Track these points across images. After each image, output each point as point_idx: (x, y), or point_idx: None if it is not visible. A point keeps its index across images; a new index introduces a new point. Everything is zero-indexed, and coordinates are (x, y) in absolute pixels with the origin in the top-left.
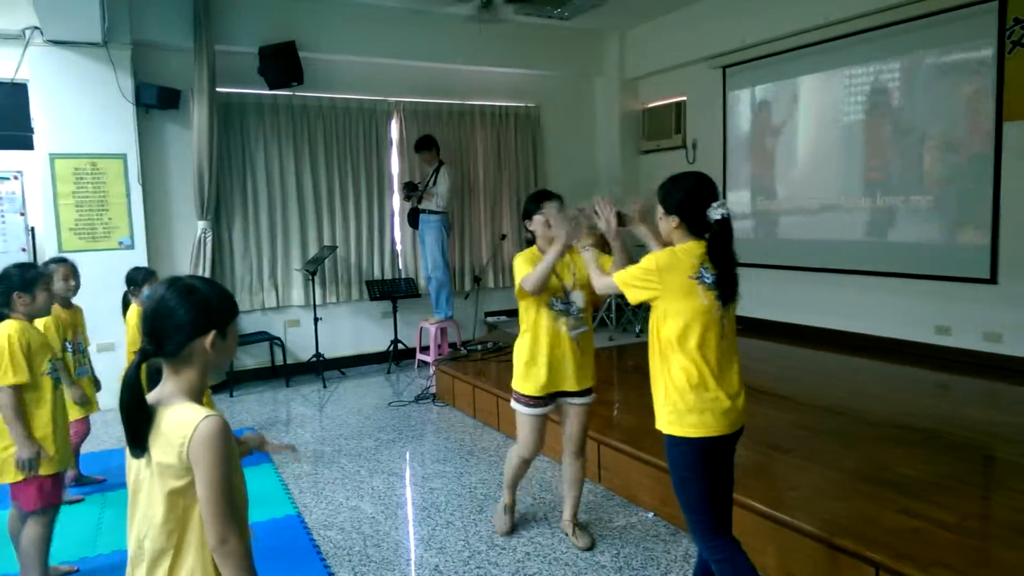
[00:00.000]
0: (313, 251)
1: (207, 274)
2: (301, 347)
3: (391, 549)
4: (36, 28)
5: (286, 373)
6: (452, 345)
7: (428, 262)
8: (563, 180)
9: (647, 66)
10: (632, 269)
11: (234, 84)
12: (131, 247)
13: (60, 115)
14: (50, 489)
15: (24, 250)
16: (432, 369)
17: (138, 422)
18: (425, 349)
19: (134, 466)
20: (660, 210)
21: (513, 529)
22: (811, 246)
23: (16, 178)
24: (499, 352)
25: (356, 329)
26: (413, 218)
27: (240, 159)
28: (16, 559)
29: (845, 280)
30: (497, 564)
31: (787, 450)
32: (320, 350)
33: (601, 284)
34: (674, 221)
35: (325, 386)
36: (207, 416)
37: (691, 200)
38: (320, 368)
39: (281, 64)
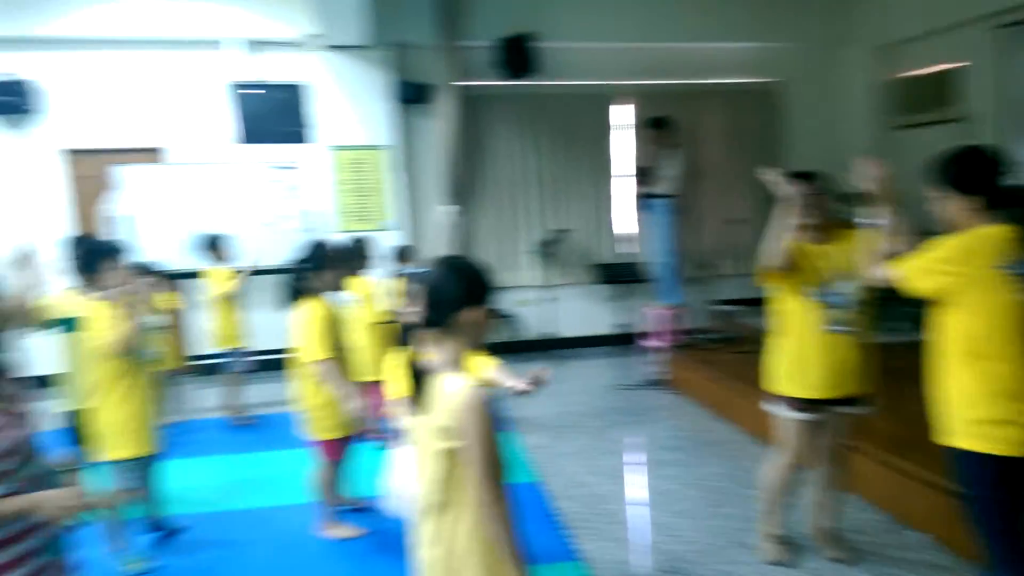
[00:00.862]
0: (545, 234)
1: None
2: (532, 325)
3: (628, 528)
4: (314, 35)
5: (517, 350)
6: (680, 332)
7: (657, 247)
8: (806, 160)
9: (907, 30)
10: (919, 257)
11: (475, 77)
12: (392, 228)
13: (337, 112)
14: (343, 445)
15: (307, 231)
16: (660, 355)
17: (414, 384)
18: (652, 335)
19: (414, 425)
20: (941, 192)
21: (789, 557)
22: None
23: (298, 168)
24: (731, 343)
25: (583, 311)
26: (642, 202)
27: (480, 148)
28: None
29: None
30: (736, 563)
31: None
32: (549, 330)
33: (875, 274)
34: (970, 202)
35: (554, 364)
36: (473, 386)
37: (988, 177)
38: (549, 347)
39: (516, 55)
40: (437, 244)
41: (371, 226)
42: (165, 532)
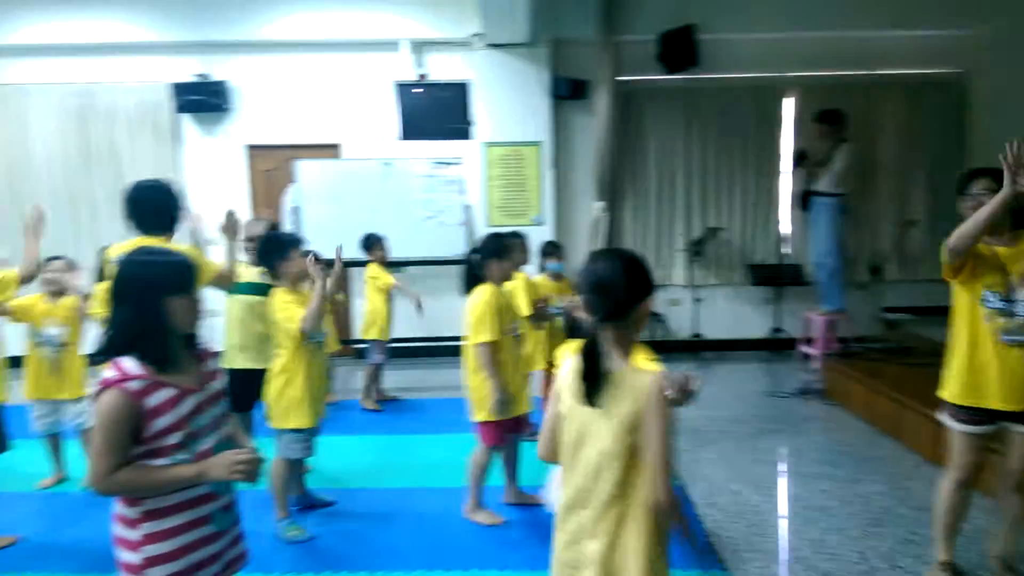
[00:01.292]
0: (697, 232)
1: None
2: (680, 326)
3: (776, 542)
4: (478, 34)
5: (664, 349)
6: (842, 340)
7: (819, 248)
8: (995, 159)
9: None
10: None
11: (633, 72)
12: (542, 223)
13: (493, 109)
14: (501, 432)
15: (464, 224)
16: (817, 363)
17: (594, 378)
18: (810, 341)
19: (579, 418)
20: None
21: None
22: None
23: (458, 164)
24: (899, 354)
25: (735, 313)
26: (804, 200)
27: (634, 143)
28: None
29: None
30: None
31: None
32: (697, 330)
33: None
34: None
35: (700, 367)
36: (656, 377)
37: None
38: (696, 348)
39: (678, 48)
40: (587, 240)
41: (520, 221)
42: (314, 504)
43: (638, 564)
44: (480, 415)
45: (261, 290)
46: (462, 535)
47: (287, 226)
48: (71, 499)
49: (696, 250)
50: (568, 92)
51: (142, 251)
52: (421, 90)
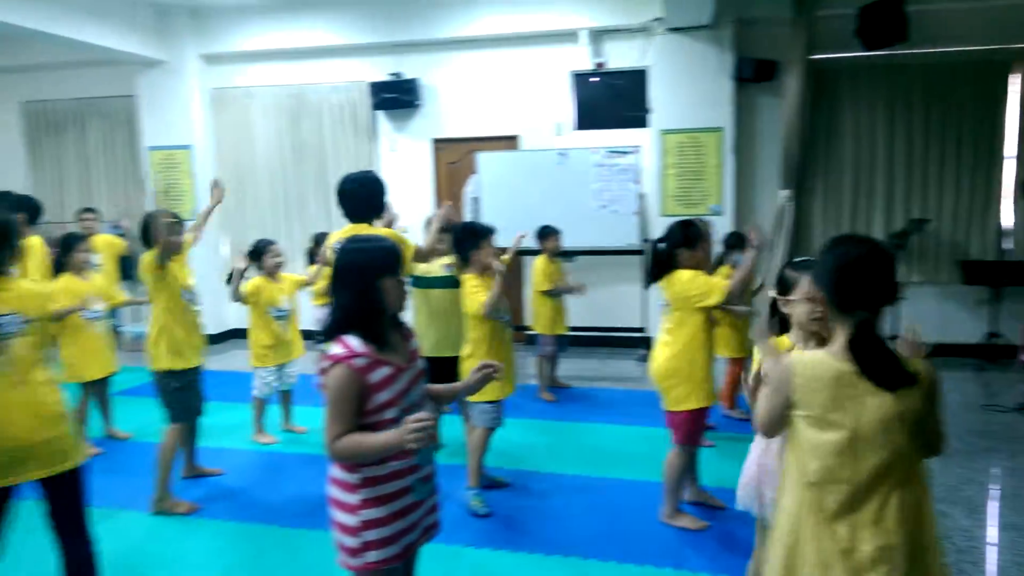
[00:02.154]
0: (898, 224)
1: (786, 243)
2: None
3: (991, 572)
4: (658, 19)
5: None
6: None
7: None
8: None
9: None
10: None
11: (828, 50)
12: (720, 213)
13: (671, 95)
14: (703, 423)
15: (637, 213)
16: None
17: (879, 375)
18: None
19: (843, 423)
20: None
21: None
22: None
23: (634, 152)
24: None
25: (943, 315)
26: None
27: (826, 126)
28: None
29: None
30: None
31: None
32: (898, 333)
33: None
34: None
35: None
36: (928, 362)
37: None
38: None
39: (883, 21)
40: (770, 231)
41: (697, 211)
42: (490, 485)
43: (937, 545)
44: (688, 403)
45: (446, 282)
46: (636, 527)
47: (469, 216)
48: (284, 457)
49: (897, 244)
50: (752, 74)
51: (356, 239)
52: (597, 79)
